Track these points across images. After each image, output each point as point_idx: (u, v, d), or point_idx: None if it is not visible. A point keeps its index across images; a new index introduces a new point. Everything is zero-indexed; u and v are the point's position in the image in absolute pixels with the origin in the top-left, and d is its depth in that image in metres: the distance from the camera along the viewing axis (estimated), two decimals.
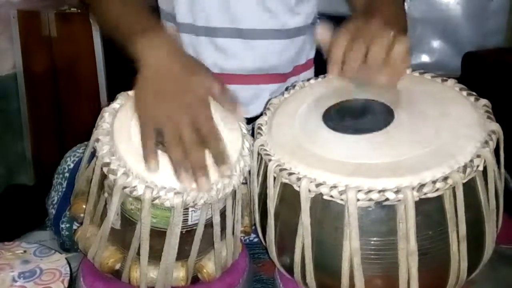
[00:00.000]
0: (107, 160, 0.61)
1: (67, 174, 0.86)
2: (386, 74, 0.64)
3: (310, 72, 1.06)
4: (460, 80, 0.69)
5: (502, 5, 2.21)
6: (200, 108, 0.62)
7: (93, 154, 0.66)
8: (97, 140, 0.63)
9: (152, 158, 0.60)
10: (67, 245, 0.86)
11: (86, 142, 0.73)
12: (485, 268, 0.64)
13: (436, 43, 2.28)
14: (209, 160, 0.62)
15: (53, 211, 0.87)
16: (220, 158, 0.61)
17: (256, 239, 0.84)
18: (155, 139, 0.60)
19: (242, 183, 0.68)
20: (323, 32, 0.68)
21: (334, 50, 0.65)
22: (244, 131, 0.70)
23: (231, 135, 0.68)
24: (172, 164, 0.60)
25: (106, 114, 0.67)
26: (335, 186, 0.56)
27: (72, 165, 0.86)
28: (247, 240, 0.85)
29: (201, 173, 0.59)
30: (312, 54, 1.06)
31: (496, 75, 1.77)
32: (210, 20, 0.94)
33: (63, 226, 0.85)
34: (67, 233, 0.85)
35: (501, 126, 0.61)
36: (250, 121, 0.74)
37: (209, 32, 0.95)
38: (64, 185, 0.87)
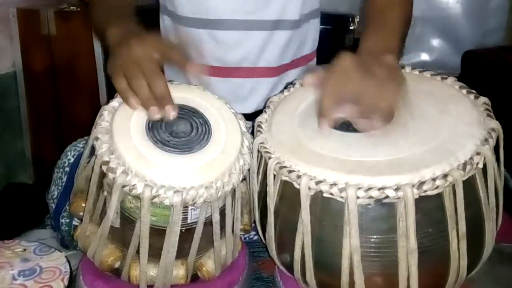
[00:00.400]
0: (106, 159, 0.61)
1: (67, 169, 0.86)
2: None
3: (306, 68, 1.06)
4: (459, 78, 0.69)
5: (502, 4, 2.22)
6: (156, 39, 0.71)
7: (92, 153, 0.66)
8: (96, 138, 0.63)
9: (130, 94, 0.66)
10: (67, 241, 0.86)
11: (86, 137, 0.73)
12: (484, 266, 0.64)
13: (436, 42, 2.29)
14: (208, 159, 0.63)
15: (53, 206, 0.87)
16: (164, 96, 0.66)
17: (255, 237, 0.84)
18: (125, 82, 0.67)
19: (242, 181, 0.68)
20: (308, 80, 0.65)
21: (324, 103, 0.61)
22: (244, 129, 0.70)
23: (230, 133, 0.68)
24: (141, 101, 0.66)
25: (105, 113, 0.66)
26: (335, 184, 0.55)
27: (72, 159, 0.86)
28: (247, 238, 0.85)
29: (166, 102, 0.66)
30: (312, 48, 1.06)
31: (496, 73, 1.78)
32: (210, 13, 0.94)
33: (63, 221, 0.85)
34: (66, 228, 0.85)
35: (501, 124, 0.61)
36: (250, 117, 0.74)
37: (209, 24, 0.95)
38: (64, 179, 0.86)
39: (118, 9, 0.86)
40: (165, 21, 1.03)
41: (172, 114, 0.65)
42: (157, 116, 0.65)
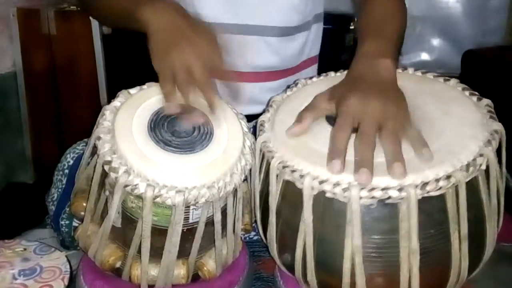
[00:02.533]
0: (109, 158, 0.61)
1: (67, 171, 0.86)
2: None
3: (313, 68, 1.06)
4: (460, 78, 0.69)
5: (502, 3, 2.21)
6: (210, 47, 0.68)
7: (94, 152, 0.66)
8: (98, 138, 0.63)
9: (173, 99, 0.65)
10: (67, 242, 0.86)
11: (86, 139, 0.73)
12: (485, 266, 0.64)
13: (436, 41, 2.29)
14: (210, 159, 0.63)
15: (53, 208, 0.87)
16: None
17: (256, 237, 0.84)
18: (172, 82, 0.65)
19: (243, 181, 0.68)
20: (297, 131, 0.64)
21: (335, 144, 0.59)
22: (245, 129, 0.70)
23: (232, 133, 0.68)
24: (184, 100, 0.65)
25: (107, 112, 0.66)
26: (338, 184, 0.55)
27: (72, 162, 0.86)
28: (247, 238, 0.85)
29: (214, 109, 0.66)
30: (316, 51, 1.06)
31: (496, 73, 1.78)
32: (214, 17, 0.93)
33: (62, 223, 0.85)
34: (67, 229, 0.85)
35: (501, 123, 0.61)
36: (254, 118, 0.74)
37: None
38: (64, 181, 0.86)
39: None
40: None
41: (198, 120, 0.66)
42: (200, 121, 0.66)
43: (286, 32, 0.96)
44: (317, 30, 1.04)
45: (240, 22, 0.94)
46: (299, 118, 0.65)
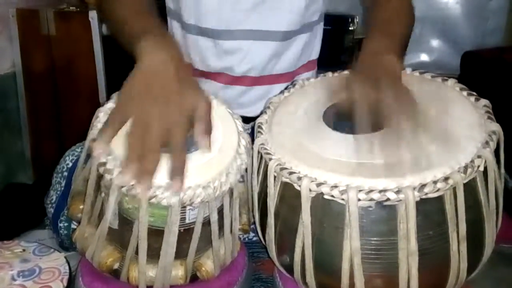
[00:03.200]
0: (103, 160, 0.61)
1: (66, 173, 0.86)
2: None
3: (313, 73, 1.06)
4: (459, 79, 0.69)
5: (501, 5, 2.21)
6: (179, 119, 0.58)
7: (89, 154, 0.66)
8: (93, 140, 0.63)
9: (108, 134, 0.58)
10: (66, 244, 0.86)
11: (85, 141, 0.73)
12: (484, 267, 0.64)
13: (435, 42, 2.29)
14: (205, 158, 0.62)
15: (52, 210, 0.87)
16: (178, 171, 0.58)
17: (255, 238, 0.84)
18: (118, 125, 0.59)
19: (240, 181, 0.68)
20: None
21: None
22: (240, 128, 0.70)
23: (227, 132, 0.68)
24: (128, 150, 0.57)
25: (101, 114, 0.66)
26: (336, 186, 0.55)
27: (71, 164, 0.86)
28: (246, 239, 0.85)
29: (145, 178, 0.56)
30: (316, 54, 1.06)
31: (495, 74, 1.78)
32: (214, 22, 0.94)
33: (61, 225, 0.85)
34: (65, 232, 0.85)
35: (500, 125, 0.61)
36: (252, 120, 0.74)
37: (215, 34, 0.94)
38: (63, 184, 0.86)
39: (144, 6, 0.76)
40: (172, 26, 1.02)
41: (142, 195, 0.57)
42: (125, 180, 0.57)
43: (289, 35, 0.96)
44: (319, 30, 1.04)
45: (245, 28, 0.94)
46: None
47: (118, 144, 0.62)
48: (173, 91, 0.60)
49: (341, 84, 0.66)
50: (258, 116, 0.71)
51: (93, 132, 0.64)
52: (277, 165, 0.61)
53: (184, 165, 0.58)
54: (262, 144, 0.65)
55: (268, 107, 0.72)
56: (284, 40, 0.96)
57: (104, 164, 0.60)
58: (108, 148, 0.59)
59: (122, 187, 0.59)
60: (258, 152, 0.65)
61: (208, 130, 0.61)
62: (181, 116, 0.59)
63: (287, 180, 0.60)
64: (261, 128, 0.67)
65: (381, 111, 0.60)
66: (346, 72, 0.73)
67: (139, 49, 0.64)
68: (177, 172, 0.57)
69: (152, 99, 0.59)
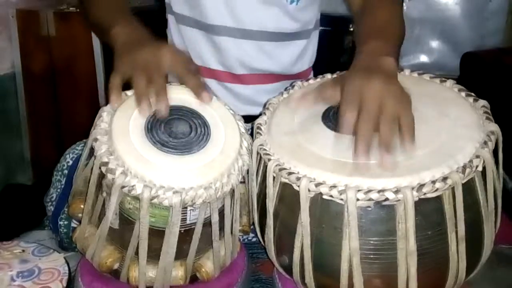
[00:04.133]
0: (106, 160, 0.61)
1: (66, 171, 0.86)
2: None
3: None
4: (458, 80, 0.69)
5: (501, 6, 2.22)
6: (154, 68, 0.69)
7: (91, 154, 0.66)
8: (95, 139, 0.63)
9: (116, 93, 0.68)
10: (65, 243, 0.86)
11: (85, 140, 0.73)
12: (483, 267, 0.64)
13: (434, 44, 2.29)
14: (207, 159, 0.63)
15: (52, 208, 0.87)
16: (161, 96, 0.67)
17: (254, 239, 0.84)
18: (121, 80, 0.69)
19: (241, 182, 0.68)
20: (297, 103, 0.67)
21: (346, 120, 0.60)
22: (242, 130, 0.70)
23: (229, 134, 0.68)
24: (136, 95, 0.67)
25: (104, 114, 0.66)
26: (334, 186, 0.56)
27: (71, 162, 0.86)
28: (246, 240, 0.85)
29: (161, 98, 0.67)
30: (311, 62, 1.06)
31: (495, 75, 1.78)
32: (206, 17, 0.94)
33: (61, 223, 0.85)
34: (65, 230, 0.85)
35: (499, 126, 0.61)
36: (251, 119, 0.74)
37: (208, 28, 0.95)
38: (63, 182, 0.87)
39: (117, 5, 0.86)
40: (170, 21, 1.03)
41: (163, 112, 0.66)
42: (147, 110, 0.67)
43: (281, 38, 0.97)
44: (316, 37, 1.05)
45: (237, 26, 0.94)
46: (304, 96, 0.67)
47: (121, 144, 0.62)
48: (149, 48, 0.72)
49: (327, 84, 0.66)
50: (257, 116, 0.71)
51: (95, 132, 0.64)
52: (276, 165, 0.61)
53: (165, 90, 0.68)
54: (261, 145, 0.65)
55: (267, 108, 0.72)
56: (277, 41, 0.96)
57: (106, 163, 0.61)
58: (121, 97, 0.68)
59: (124, 187, 0.59)
60: (257, 153, 0.66)
61: (200, 82, 0.72)
62: (158, 64, 0.70)
63: (286, 181, 0.60)
64: (260, 129, 0.67)
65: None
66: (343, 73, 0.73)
67: (113, 36, 0.76)
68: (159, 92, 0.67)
69: (138, 56, 0.70)
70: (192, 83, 0.71)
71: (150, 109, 0.66)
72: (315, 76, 0.77)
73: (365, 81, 0.60)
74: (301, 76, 1.04)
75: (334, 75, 0.74)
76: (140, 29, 0.78)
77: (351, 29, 2.12)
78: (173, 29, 1.02)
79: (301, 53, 1.01)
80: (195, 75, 0.72)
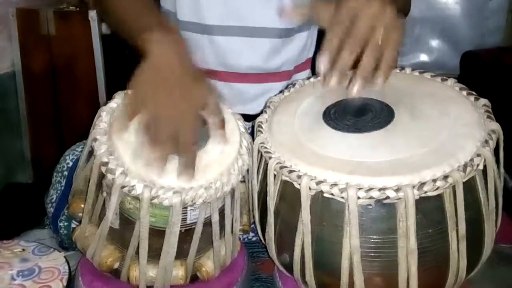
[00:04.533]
0: (105, 160, 0.61)
1: (66, 173, 0.86)
2: (375, 81, 0.60)
3: (307, 72, 1.06)
4: (458, 79, 0.69)
5: (501, 5, 2.22)
6: (189, 119, 0.61)
7: (91, 154, 0.66)
8: (95, 139, 0.63)
9: (123, 121, 0.62)
10: (66, 244, 0.86)
11: (85, 141, 0.73)
12: (483, 266, 0.64)
13: (435, 43, 2.29)
14: (207, 159, 0.63)
15: (52, 210, 0.87)
16: (189, 164, 0.60)
17: (255, 238, 0.84)
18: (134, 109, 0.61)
19: (241, 182, 0.68)
20: (323, 65, 0.62)
21: (326, 45, 0.59)
22: (242, 129, 0.70)
23: (229, 133, 0.68)
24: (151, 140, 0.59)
25: (104, 114, 0.66)
26: (335, 184, 0.55)
27: (71, 163, 0.86)
28: (246, 239, 0.85)
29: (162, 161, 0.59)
30: (312, 52, 1.06)
31: (495, 74, 1.78)
32: (212, 18, 0.94)
33: (61, 224, 0.85)
34: (65, 231, 0.85)
35: (500, 125, 0.61)
36: (253, 118, 0.74)
37: (211, 30, 0.95)
38: (63, 183, 0.86)
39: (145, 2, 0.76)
40: None
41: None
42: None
43: (288, 33, 0.96)
44: (315, 28, 1.04)
45: (243, 24, 0.94)
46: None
47: (121, 144, 0.62)
48: (184, 84, 0.61)
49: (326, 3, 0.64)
50: (258, 114, 0.71)
51: (95, 132, 0.64)
52: (276, 163, 0.61)
53: (194, 156, 0.60)
54: (262, 143, 0.65)
55: (268, 107, 0.72)
56: (282, 38, 0.96)
57: (106, 163, 0.60)
58: (125, 131, 0.62)
59: (124, 187, 0.59)
60: (258, 151, 0.66)
61: (222, 123, 0.64)
62: (192, 111, 0.61)
63: (287, 179, 0.60)
64: (261, 127, 0.67)
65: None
66: None
67: (146, 42, 0.65)
68: (188, 163, 0.60)
69: (165, 91, 0.61)
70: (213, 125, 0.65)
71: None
72: (314, 73, 0.76)
73: (360, 2, 0.59)
74: (302, 67, 1.03)
75: None
76: (179, 46, 0.66)
77: None
78: None
79: (304, 45, 1.01)
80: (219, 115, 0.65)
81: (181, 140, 0.59)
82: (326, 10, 0.63)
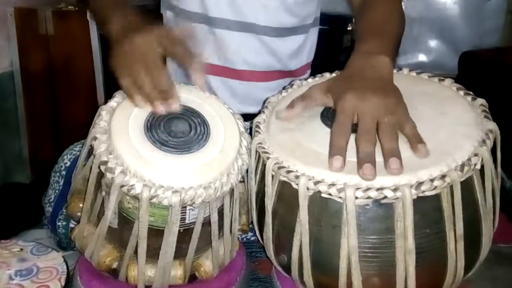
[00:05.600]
0: (105, 159, 0.61)
1: (64, 172, 0.86)
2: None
3: (307, 75, 1.07)
4: (457, 79, 0.69)
5: (499, 5, 2.22)
6: (152, 63, 0.68)
7: (90, 153, 0.66)
8: (95, 138, 0.63)
9: (134, 91, 0.67)
10: (64, 243, 0.86)
11: (83, 140, 0.73)
12: (482, 266, 0.64)
13: (433, 43, 2.29)
14: (206, 159, 0.63)
15: (50, 209, 0.87)
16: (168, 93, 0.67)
17: (253, 238, 0.84)
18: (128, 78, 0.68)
19: (240, 182, 0.68)
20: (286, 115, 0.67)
21: (336, 141, 0.58)
22: (242, 129, 0.70)
23: (229, 133, 0.68)
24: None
25: (104, 112, 0.66)
26: (333, 184, 0.55)
27: (69, 163, 0.86)
28: (245, 239, 0.85)
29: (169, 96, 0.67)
30: (311, 57, 1.06)
31: (493, 75, 1.78)
32: (219, 12, 0.94)
33: (59, 224, 0.85)
34: (63, 231, 0.85)
35: (497, 125, 0.61)
36: (251, 118, 0.74)
37: (208, 21, 0.95)
38: (61, 183, 0.86)
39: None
40: (167, 16, 1.03)
41: (174, 106, 0.67)
42: (161, 109, 0.66)
43: (280, 33, 0.97)
44: (314, 34, 1.05)
45: (239, 19, 0.94)
46: (291, 104, 0.67)
47: (120, 143, 0.62)
48: (139, 33, 0.70)
49: (319, 88, 0.66)
50: (256, 114, 0.71)
51: (95, 131, 0.64)
52: (274, 164, 0.61)
53: (169, 81, 0.68)
54: (260, 143, 0.65)
55: (266, 107, 0.72)
56: (276, 36, 0.96)
57: (105, 162, 0.61)
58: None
59: (123, 186, 0.59)
60: (256, 151, 0.66)
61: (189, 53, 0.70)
62: (149, 42, 0.69)
63: (285, 179, 0.60)
64: (259, 128, 0.67)
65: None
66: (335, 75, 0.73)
67: (110, 25, 0.75)
68: (166, 91, 0.68)
69: (129, 49, 0.69)
70: (193, 67, 0.70)
71: (163, 105, 0.66)
72: (313, 75, 0.77)
73: (359, 100, 0.59)
74: (299, 72, 1.04)
75: (333, 74, 0.74)
76: (135, 18, 0.76)
77: (349, 28, 2.12)
78: (172, 25, 1.01)
79: (299, 48, 1.01)
80: (195, 57, 0.70)
81: (148, 66, 0.67)
82: (322, 96, 0.65)
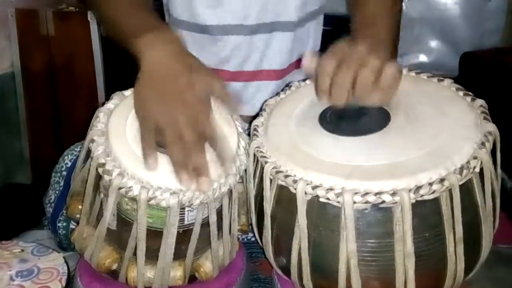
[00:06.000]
0: (102, 161, 0.61)
1: (64, 173, 0.86)
2: (376, 97, 0.61)
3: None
4: (457, 80, 0.68)
5: (500, 6, 2.21)
6: (200, 107, 0.60)
7: (88, 155, 0.66)
8: (92, 140, 0.63)
9: (152, 157, 0.60)
10: (64, 244, 0.86)
11: (83, 141, 0.73)
12: (482, 268, 0.64)
13: (434, 43, 2.29)
14: (208, 157, 0.62)
15: (50, 210, 0.87)
16: (220, 159, 0.61)
17: (253, 238, 0.84)
18: (154, 138, 0.60)
19: (238, 182, 0.68)
20: (308, 61, 0.65)
21: (320, 77, 0.62)
22: (240, 129, 0.70)
23: (227, 134, 0.68)
24: (173, 165, 0.59)
25: (101, 114, 0.66)
26: (331, 189, 0.55)
27: (69, 164, 0.86)
28: (245, 239, 0.85)
29: (202, 173, 0.59)
30: (314, 49, 1.05)
31: (494, 75, 1.77)
32: (205, 18, 0.93)
33: (60, 225, 0.85)
34: (64, 231, 0.85)
35: (498, 126, 0.60)
36: (252, 119, 0.74)
37: (206, 29, 0.94)
38: (62, 183, 0.87)
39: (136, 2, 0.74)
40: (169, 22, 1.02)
41: (205, 189, 0.59)
42: (189, 184, 0.59)
43: (277, 30, 0.96)
44: (315, 26, 1.03)
45: (257, 22, 0.93)
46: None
47: (117, 145, 0.62)
48: (185, 84, 0.61)
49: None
50: (254, 116, 0.71)
51: (92, 133, 0.64)
52: (272, 168, 0.61)
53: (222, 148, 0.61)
54: (258, 147, 0.64)
55: (264, 109, 0.71)
56: (271, 32, 0.96)
57: (103, 165, 0.61)
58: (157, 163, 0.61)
59: (121, 188, 0.59)
60: (254, 155, 0.65)
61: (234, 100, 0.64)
62: (201, 103, 0.60)
63: (283, 183, 0.60)
64: (257, 131, 0.67)
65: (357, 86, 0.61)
66: None
67: (139, 47, 0.64)
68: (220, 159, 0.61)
69: (169, 98, 0.60)
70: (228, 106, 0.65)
71: (191, 181, 0.59)
72: None
73: (351, 44, 0.62)
74: (289, 71, 1.03)
75: None
76: (172, 44, 0.64)
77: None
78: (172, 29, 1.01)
79: (297, 46, 1.01)
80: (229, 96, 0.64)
81: (201, 131, 0.59)
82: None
